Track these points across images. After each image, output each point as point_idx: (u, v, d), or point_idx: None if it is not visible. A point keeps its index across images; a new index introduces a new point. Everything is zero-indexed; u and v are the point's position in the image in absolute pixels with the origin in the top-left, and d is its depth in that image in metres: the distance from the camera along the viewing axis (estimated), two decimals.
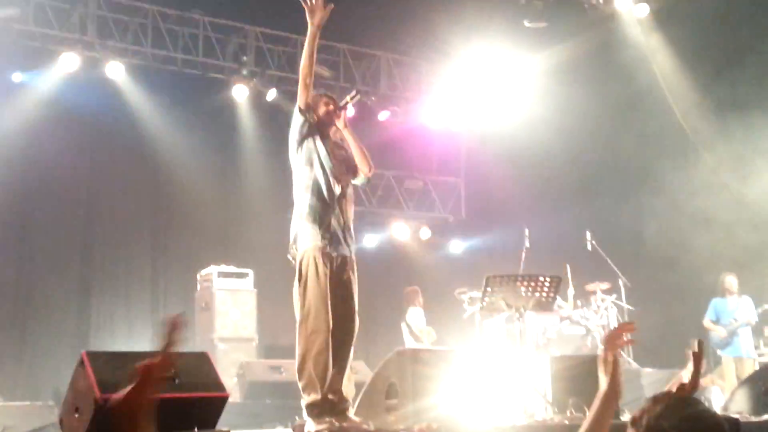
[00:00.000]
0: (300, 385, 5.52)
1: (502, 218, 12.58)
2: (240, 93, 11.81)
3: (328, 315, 5.43)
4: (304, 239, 5.55)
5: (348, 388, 5.64)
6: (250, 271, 10.11)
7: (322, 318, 5.42)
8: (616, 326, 2.66)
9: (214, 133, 11.93)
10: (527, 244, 9.93)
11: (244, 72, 11.71)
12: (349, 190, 5.80)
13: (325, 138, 5.75)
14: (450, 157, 14.11)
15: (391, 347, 6.33)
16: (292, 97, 12.03)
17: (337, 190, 5.62)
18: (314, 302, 5.44)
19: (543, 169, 12.60)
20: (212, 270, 9.89)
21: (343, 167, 5.76)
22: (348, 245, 5.63)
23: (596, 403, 2.44)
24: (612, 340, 2.43)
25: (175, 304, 11.36)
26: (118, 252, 11.22)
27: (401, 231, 13.68)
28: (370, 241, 13.09)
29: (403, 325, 10.70)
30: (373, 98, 13.07)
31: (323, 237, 5.52)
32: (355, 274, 5.70)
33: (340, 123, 5.80)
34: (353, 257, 5.69)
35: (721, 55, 10.88)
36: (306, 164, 5.68)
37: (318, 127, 5.74)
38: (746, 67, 10.71)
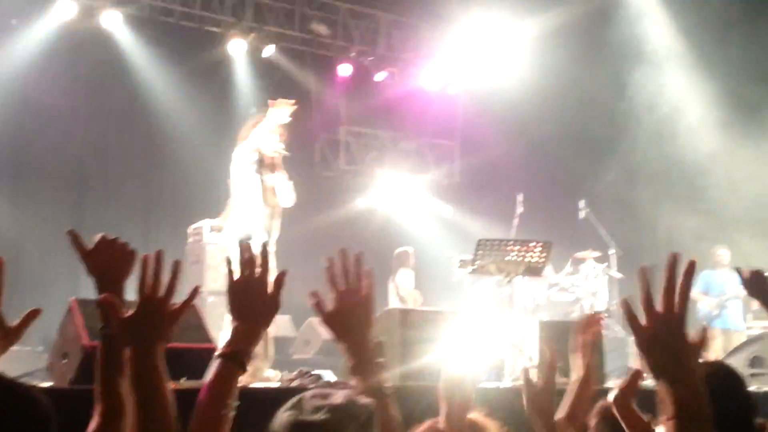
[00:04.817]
0: None
1: (496, 183, 12.57)
2: (237, 48, 11.71)
3: None
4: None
5: None
6: None
7: None
8: (585, 319, 2.80)
9: (209, 87, 11.81)
10: (520, 209, 9.94)
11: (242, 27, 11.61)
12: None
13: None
14: (446, 120, 14.04)
15: (381, 307, 6.37)
16: (288, 53, 12.06)
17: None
18: None
19: (539, 135, 12.56)
20: (204, 224, 9.84)
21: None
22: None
23: (573, 387, 2.63)
24: (584, 330, 2.61)
25: (167, 258, 11.28)
26: (110, 204, 11.15)
27: (395, 192, 13.65)
28: (363, 201, 13.06)
29: (391, 286, 10.66)
30: (370, 59, 12.99)
31: None
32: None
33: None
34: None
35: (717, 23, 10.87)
36: None
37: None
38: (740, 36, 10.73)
